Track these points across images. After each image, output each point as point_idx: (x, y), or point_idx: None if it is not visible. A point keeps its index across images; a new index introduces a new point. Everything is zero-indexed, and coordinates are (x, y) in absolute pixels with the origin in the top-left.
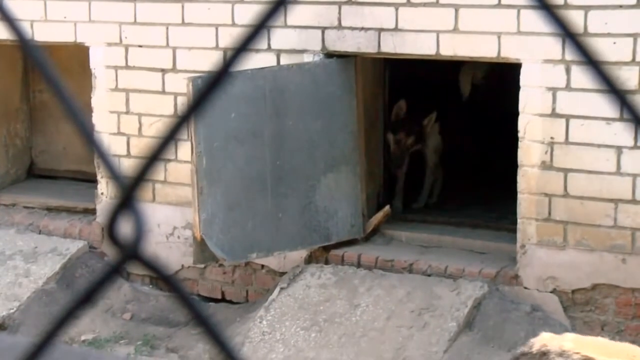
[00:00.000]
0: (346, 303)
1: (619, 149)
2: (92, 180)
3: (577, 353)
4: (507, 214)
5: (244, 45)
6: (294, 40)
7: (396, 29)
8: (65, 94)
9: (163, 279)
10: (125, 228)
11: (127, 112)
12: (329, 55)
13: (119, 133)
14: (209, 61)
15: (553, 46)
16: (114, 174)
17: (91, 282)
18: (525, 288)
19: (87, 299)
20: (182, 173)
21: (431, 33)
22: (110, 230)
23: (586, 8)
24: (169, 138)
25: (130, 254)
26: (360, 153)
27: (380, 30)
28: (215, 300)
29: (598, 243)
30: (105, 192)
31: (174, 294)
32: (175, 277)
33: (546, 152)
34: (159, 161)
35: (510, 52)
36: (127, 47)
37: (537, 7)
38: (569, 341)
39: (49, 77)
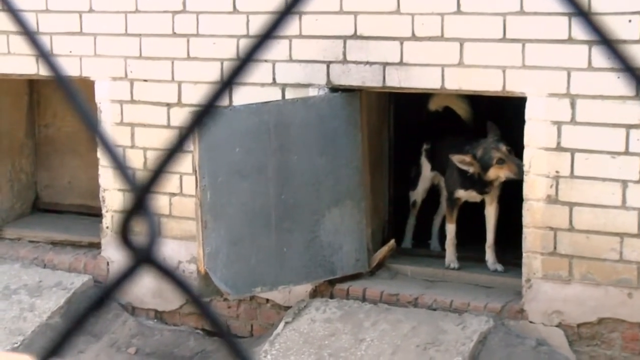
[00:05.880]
0: (351, 337)
1: (624, 183)
2: (97, 215)
3: None
4: (512, 248)
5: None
6: (299, 74)
7: (401, 63)
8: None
9: (176, 283)
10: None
11: (133, 147)
12: (334, 89)
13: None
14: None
15: (558, 80)
16: (128, 180)
17: (105, 286)
18: (531, 322)
19: (99, 303)
20: (187, 207)
21: (436, 67)
22: (123, 234)
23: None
24: (186, 136)
25: (143, 258)
26: (365, 188)
27: (385, 64)
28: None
29: (604, 277)
30: (110, 226)
31: (186, 297)
32: (187, 282)
33: (551, 186)
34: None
35: (515, 85)
36: (132, 82)
37: (573, 14)
38: None
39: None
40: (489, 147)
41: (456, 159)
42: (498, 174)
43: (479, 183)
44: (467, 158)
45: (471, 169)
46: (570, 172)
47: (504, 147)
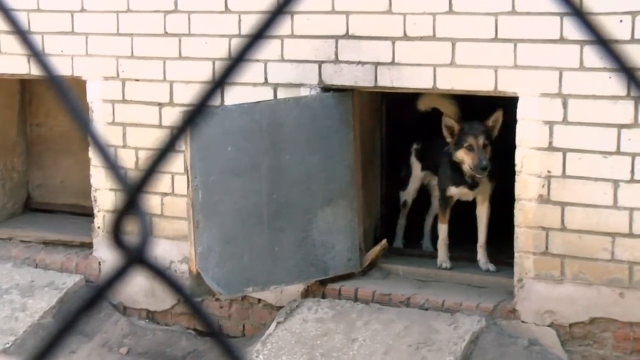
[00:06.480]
0: (343, 337)
1: (616, 183)
2: (89, 214)
3: None
4: (505, 248)
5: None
6: (291, 74)
7: (393, 62)
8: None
9: (167, 282)
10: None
11: (124, 146)
12: (326, 89)
13: None
14: None
15: (550, 80)
16: (120, 179)
17: (97, 286)
18: (523, 322)
19: (91, 303)
20: (178, 207)
21: (428, 67)
22: (115, 234)
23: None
24: (177, 136)
25: (135, 258)
26: (357, 187)
27: (377, 64)
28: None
29: (596, 277)
30: (102, 225)
31: (178, 297)
32: (179, 282)
33: (543, 186)
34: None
35: (506, 85)
36: (124, 81)
37: (566, 14)
38: None
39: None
40: (472, 131)
41: (446, 120)
42: (463, 157)
43: (469, 177)
44: (456, 126)
45: (449, 139)
46: (562, 172)
47: (481, 139)
